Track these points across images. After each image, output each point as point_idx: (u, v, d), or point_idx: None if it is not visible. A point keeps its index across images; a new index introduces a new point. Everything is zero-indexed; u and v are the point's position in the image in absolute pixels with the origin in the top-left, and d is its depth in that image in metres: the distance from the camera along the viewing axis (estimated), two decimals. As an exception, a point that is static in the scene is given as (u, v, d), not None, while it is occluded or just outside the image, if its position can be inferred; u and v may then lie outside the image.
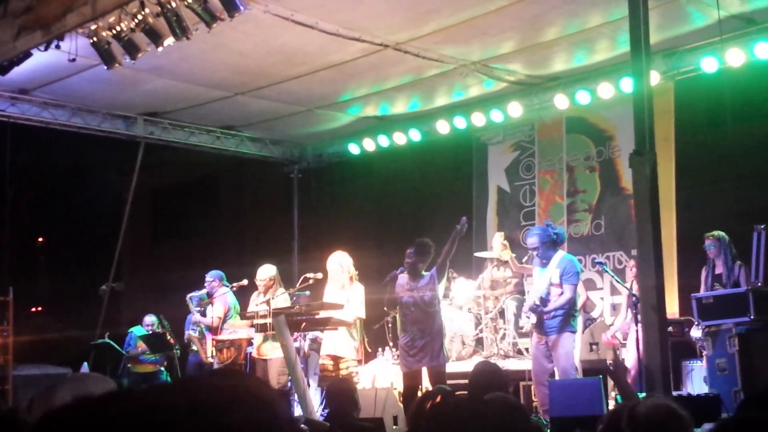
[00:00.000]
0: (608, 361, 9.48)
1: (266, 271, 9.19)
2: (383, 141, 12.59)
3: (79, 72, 9.61)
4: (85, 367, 11.16)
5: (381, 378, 9.79)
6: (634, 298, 8.30)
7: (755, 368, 7.12)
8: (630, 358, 9.24)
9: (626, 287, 8.85)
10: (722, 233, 8.36)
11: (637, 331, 7.84)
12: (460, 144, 12.66)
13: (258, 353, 9.19)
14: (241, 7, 7.40)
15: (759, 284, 7.33)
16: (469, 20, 8.75)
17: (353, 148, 13.04)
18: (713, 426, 2.26)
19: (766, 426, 2.17)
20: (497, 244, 9.95)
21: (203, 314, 10.13)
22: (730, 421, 2.44)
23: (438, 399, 4.30)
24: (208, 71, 9.99)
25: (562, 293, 8.03)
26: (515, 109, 11.15)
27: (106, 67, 8.46)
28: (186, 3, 7.45)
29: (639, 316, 7.58)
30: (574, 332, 8.14)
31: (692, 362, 8.53)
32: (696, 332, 8.12)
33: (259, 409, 1.08)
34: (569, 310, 8.05)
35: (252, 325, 8.69)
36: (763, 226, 7.43)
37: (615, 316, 10.21)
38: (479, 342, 10.41)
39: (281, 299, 8.92)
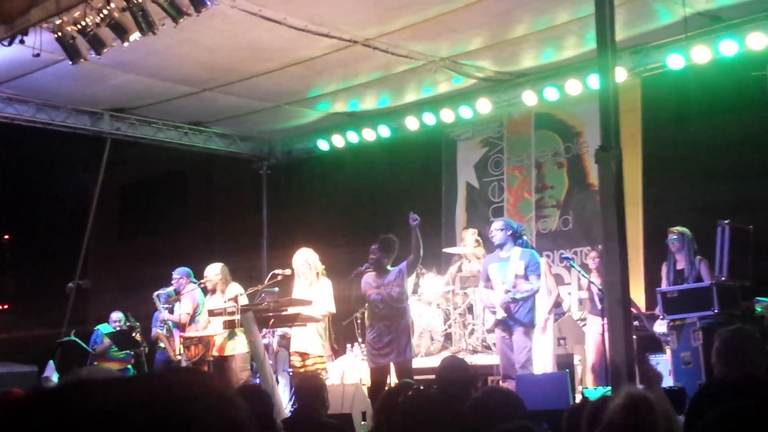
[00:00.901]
0: (577, 357, 9.56)
1: (212, 270, 9.24)
2: (352, 137, 12.58)
3: (44, 67, 9.51)
4: (50, 366, 11.05)
5: (350, 374, 9.79)
6: (599, 291, 8.39)
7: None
8: (591, 353, 9.32)
9: (593, 283, 8.92)
10: (685, 229, 8.46)
11: (603, 325, 7.92)
12: (430, 140, 12.69)
13: (219, 350, 9.18)
14: (208, 2, 7.36)
15: (723, 279, 7.42)
16: (437, 16, 8.75)
17: (322, 145, 13.02)
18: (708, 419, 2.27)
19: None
20: (470, 240, 9.98)
21: (171, 311, 10.07)
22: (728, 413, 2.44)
23: (409, 393, 4.30)
24: (175, 67, 9.91)
25: (529, 284, 8.09)
26: (484, 106, 11.18)
27: (71, 63, 8.38)
28: (152, -3, 7.39)
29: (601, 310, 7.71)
30: (534, 326, 8.20)
31: (657, 356, 8.61)
32: (660, 327, 8.20)
33: (218, 405, 1.08)
34: (533, 304, 8.12)
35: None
36: (727, 221, 7.52)
37: (582, 311, 10.30)
38: (448, 337, 10.44)
39: (233, 290, 8.96)
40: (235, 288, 9.11)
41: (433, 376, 6.03)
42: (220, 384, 1.11)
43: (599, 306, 9.33)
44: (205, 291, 9.60)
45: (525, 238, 8.58)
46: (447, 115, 11.55)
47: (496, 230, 8.37)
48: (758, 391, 3.33)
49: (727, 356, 3.82)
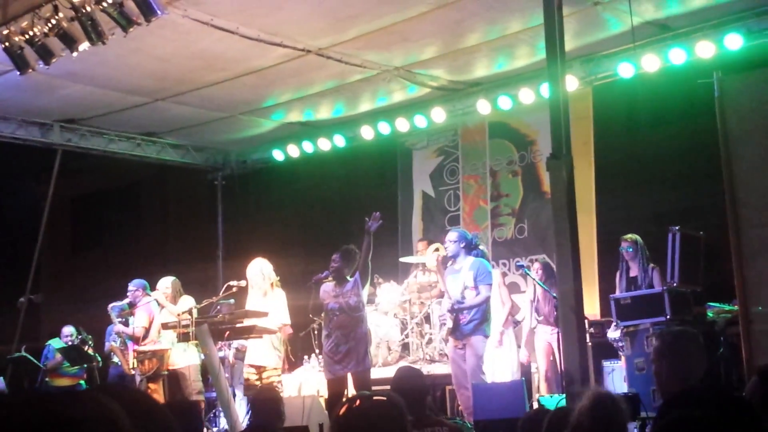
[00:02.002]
0: (533, 365, 9.61)
1: (162, 283, 9.24)
2: (308, 147, 12.53)
3: (-9, 78, 9.34)
4: (0, 382, 10.83)
5: (307, 386, 9.73)
6: (555, 301, 8.43)
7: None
8: (543, 360, 9.38)
9: (549, 291, 8.97)
10: (638, 236, 8.57)
11: (559, 332, 7.96)
12: (385, 149, 12.69)
13: (170, 363, 9.08)
14: (159, 12, 7.28)
15: (674, 285, 7.50)
16: (390, 26, 8.76)
17: (277, 155, 12.95)
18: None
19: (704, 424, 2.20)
20: (431, 258, 9.97)
21: (125, 324, 9.93)
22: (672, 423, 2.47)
23: (357, 403, 4.27)
24: (126, 76, 9.79)
25: (478, 294, 8.10)
26: (439, 115, 11.21)
27: (19, 73, 8.22)
28: (101, 7, 7.29)
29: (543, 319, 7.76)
30: (486, 337, 8.20)
31: (612, 362, 8.68)
32: (613, 333, 8.27)
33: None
34: (484, 314, 8.12)
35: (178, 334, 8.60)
36: (677, 228, 7.61)
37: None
38: (405, 347, 10.42)
39: (185, 303, 8.87)
40: (187, 301, 9.01)
41: (389, 387, 5.99)
42: (116, 408, 1.12)
43: (538, 317, 9.43)
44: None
45: (481, 248, 8.60)
46: (402, 125, 11.57)
47: (449, 242, 8.40)
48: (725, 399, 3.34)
49: (669, 359, 3.83)
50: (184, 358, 9.04)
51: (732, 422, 2.77)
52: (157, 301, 9.37)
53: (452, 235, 8.45)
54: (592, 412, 3.23)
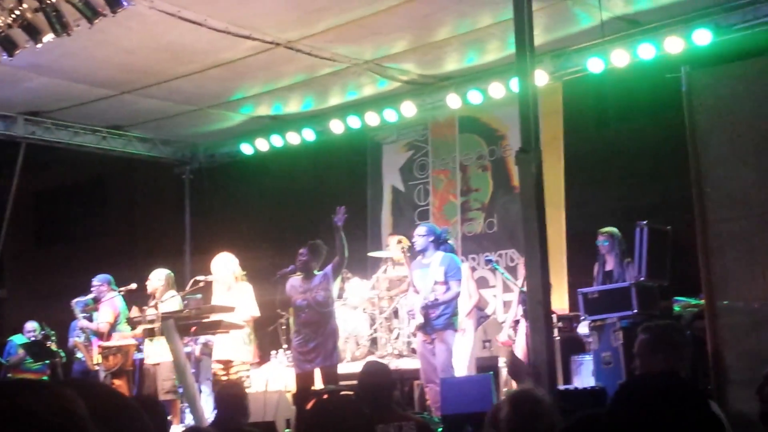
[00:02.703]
0: (504, 361, 9.61)
1: (156, 275, 9.05)
2: (277, 141, 12.44)
3: (-47, 69, 9.17)
4: (-37, 379, 10.65)
5: (274, 381, 9.65)
6: (524, 295, 8.43)
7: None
8: (519, 354, 9.38)
9: (517, 284, 8.97)
10: (615, 230, 8.52)
11: (527, 327, 7.96)
12: (355, 143, 12.63)
13: (145, 359, 8.97)
14: (125, 3, 7.19)
15: (641, 279, 7.53)
16: (360, 19, 8.71)
17: (246, 148, 12.85)
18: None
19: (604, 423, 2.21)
20: (395, 249, 9.94)
21: (89, 320, 9.81)
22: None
23: (323, 397, 4.25)
24: (91, 69, 9.65)
25: (448, 290, 8.10)
26: (409, 109, 11.17)
27: (-19, 64, 8.09)
28: (65, -3, 7.17)
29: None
30: (456, 331, 8.23)
31: (581, 357, 8.70)
32: (583, 328, 8.29)
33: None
34: (454, 309, 8.14)
35: (143, 333, 8.48)
36: (645, 223, 7.63)
37: (507, 313, 10.35)
38: (374, 342, 10.39)
39: (171, 302, 8.72)
40: (173, 297, 8.83)
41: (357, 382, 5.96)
42: (75, 400, 1.09)
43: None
44: (129, 294, 9.36)
45: (450, 242, 8.59)
46: (372, 119, 11.52)
47: (418, 236, 8.40)
48: (678, 388, 3.33)
49: (665, 351, 3.83)
50: (159, 353, 8.89)
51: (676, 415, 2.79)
52: (122, 295, 9.26)
53: (421, 230, 8.44)
54: (514, 409, 3.34)
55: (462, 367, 9.02)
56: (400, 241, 9.55)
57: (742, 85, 6.48)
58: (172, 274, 9.28)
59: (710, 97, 6.44)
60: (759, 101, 6.46)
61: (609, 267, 8.49)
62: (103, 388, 1.83)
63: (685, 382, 2.95)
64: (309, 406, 3.22)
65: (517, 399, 3.34)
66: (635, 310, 7.35)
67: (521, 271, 9.80)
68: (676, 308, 8.18)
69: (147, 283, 9.12)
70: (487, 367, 9.04)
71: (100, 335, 9.41)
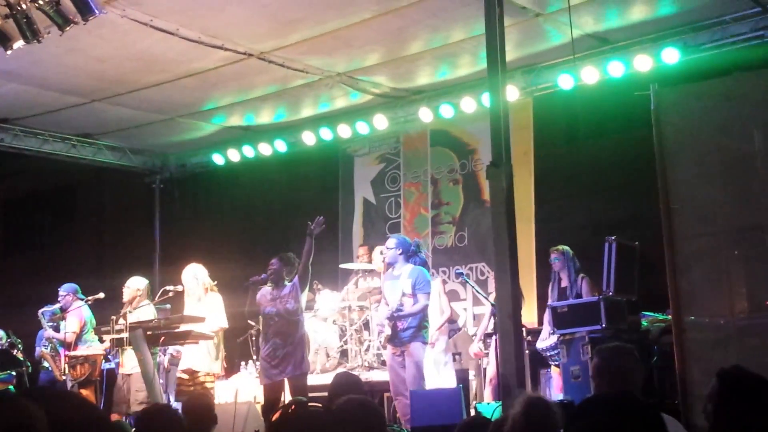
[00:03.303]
0: (471, 372, 9.64)
1: (136, 282, 8.97)
2: (248, 152, 12.41)
3: None
4: (-74, 388, 10.48)
5: (243, 392, 9.58)
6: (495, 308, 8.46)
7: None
8: (492, 367, 9.41)
9: (487, 298, 9.01)
10: (566, 247, 8.65)
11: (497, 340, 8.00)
12: (327, 155, 12.64)
13: (119, 368, 8.88)
14: (96, 11, 7.12)
15: (610, 294, 7.59)
16: (333, 31, 8.74)
17: (218, 159, 12.80)
18: None
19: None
20: (378, 260, 9.91)
21: (56, 329, 9.70)
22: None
23: (292, 408, 4.23)
24: (62, 76, 9.58)
25: (416, 302, 8.10)
26: (381, 122, 11.21)
27: (-51, 70, 8.00)
28: (37, 5, 7.11)
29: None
30: (425, 343, 8.21)
31: (550, 370, 8.75)
32: (542, 343, 8.33)
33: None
34: (422, 321, 8.12)
35: (102, 341, 8.40)
36: (613, 238, 7.71)
37: (477, 326, 10.38)
38: (344, 354, 10.37)
39: (145, 311, 8.65)
40: (147, 308, 8.75)
41: (326, 394, 5.96)
42: (36, 413, 1.10)
43: None
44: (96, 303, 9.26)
45: (422, 254, 8.58)
46: (344, 131, 11.54)
47: (387, 248, 8.40)
48: (631, 407, 3.39)
49: (608, 376, 3.90)
50: (132, 364, 8.79)
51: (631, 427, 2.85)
52: (88, 304, 9.17)
53: (390, 242, 8.44)
54: (526, 417, 3.30)
55: (441, 380, 8.99)
56: (382, 252, 9.51)
57: (710, 103, 6.58)
58: (148, 283, 9.18)
59: (678, 114, 6.54)
60: (726, 119, 6.56)
61: (564, 283, 8.60)
62: (71, 398, 1.83)
63: (637, 400, 3.00)
64: (277, 416, 3.21)
65: (530, 404, 3.31)
66: (603, 325, 7.41)
67: (492, 285, 9.85)
68: (644, 323, 8.26)
69: (124, 290, 9.00)
70: (457, 379, 9.07)
71: (66, 345, 9.30)
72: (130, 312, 8.51)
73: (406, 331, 8.07)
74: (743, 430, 3.20)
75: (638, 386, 3.86)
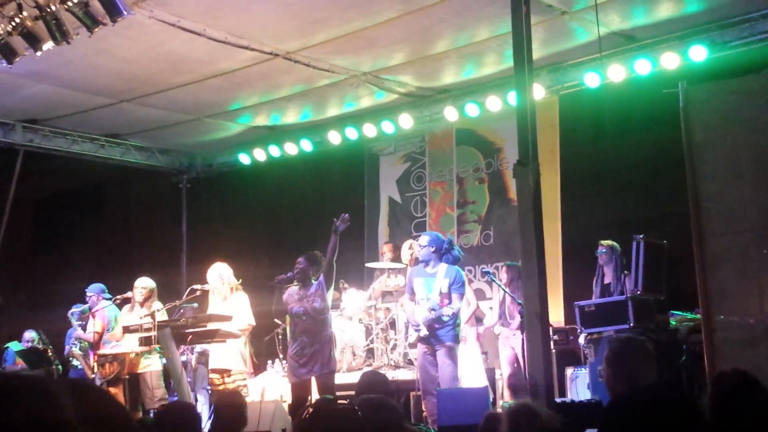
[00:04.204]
0: (498, 372, 9.62)
1: (144, 282, 9.08)
2: (274, 151, 12.47)
3: (-48, 76, 9.19)
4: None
5: (270, 390, 9.65)
6: (520, 307, 8.45)
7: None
8: (507, 368, 9.38)
9: (514, 297, 8.98)
10: (615, 243, 8.61)
11: (523, 340, 7.98)
12: (352, 155, 12.66)
13: (132, 367, 8.97)
14: (125, 12, 7.19)
15: (638, 292, 7.55)
16: (358, 31, 8.76)
17: (244, 158, 12.88)
18: None
19: None
20: (406, 255, 9.92)
21: (85, 329, 9.81)
22: None
23: (319, 408, 4.25)
24: (90, 77, 9.68)
25: (450, 303, 8.09)
26: (406, 121, 11.22)
27: (-20, 72, 8.10)
28: (66, 6, 7.19)
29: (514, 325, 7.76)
30: (458, 342, 8.21)
31: (577, 369, 8.72)
32: (582, 339, 8.30)
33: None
34: (456, 320, 8.13)
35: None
36: (641, 236, 7.67)
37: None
38: (370, 352, 10.38)
39: (158, 314, 8.75)
40: (157, 306, 8.91)
41: (353, 392, 5.98)
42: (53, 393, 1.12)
43: (509, 320, 9.44)
44: (120, 305, 9.34)
45: (455, 251, 8.47)
46: (369, 130, 11.56)
47: (420, 246, 8.35)
48: (663, 401, 3.38)
49: (615, 366, 3.88)
50: (147, 362, 8.93)
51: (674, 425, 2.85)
52: (116, 303, 9.26)
53: (423, 239, 8.37)
54: (512, 422, 3.37)
55: (476, 380, 8.99)
56: (411, 247, 9.47)
57: (739, 100, 6.52)
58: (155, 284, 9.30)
59: (707, 112, 6.48)
60: (755, 117, 6.50)
61: (607, 280, 8.54)
62: (99, 393, 1.85)
63: (667, 391, 3.00)
64: (307, 413, 3.22)
65: (515, 412, 3.36)
66: (631, 324, 7.37)
67: (503, 278, 9.82)
68: (672, 322, 8.20)
69: (135, 290, 9.12)
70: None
71: (91, 345, 9.41)
72: (160, 310, 8.58)
73: (443, 329, 8.05)
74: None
75: (642, 381, 3.79)
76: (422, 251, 8.28)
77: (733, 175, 6.42)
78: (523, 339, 8.21)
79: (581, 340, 8.32)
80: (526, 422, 3.40)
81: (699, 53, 9.00)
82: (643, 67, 9.37)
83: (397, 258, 10.61)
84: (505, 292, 9.25)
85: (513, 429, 3.31)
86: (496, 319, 9.68)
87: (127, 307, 9.24)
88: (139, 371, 8.93)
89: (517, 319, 9.25)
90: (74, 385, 1.65)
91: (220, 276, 8.48)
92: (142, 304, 9.03)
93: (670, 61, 9.19)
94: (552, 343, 8.09)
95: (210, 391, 8.66)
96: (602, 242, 8.67)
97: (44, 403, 1.10)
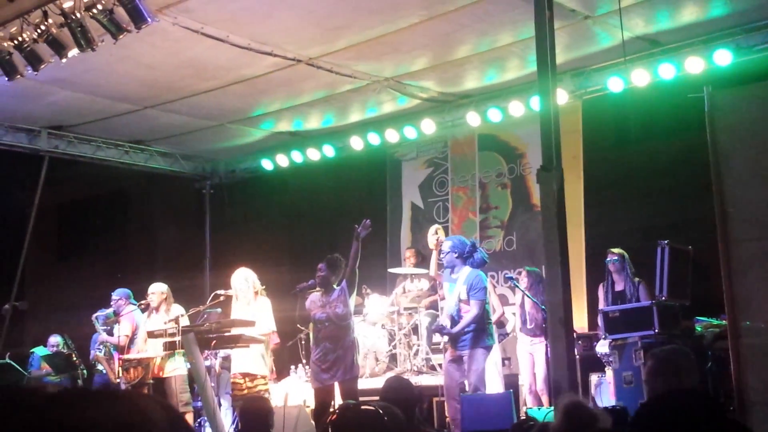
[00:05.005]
0: (521, 377, 9.58)
1: (157, 287, 9.22)
2: (297, 157, 12.51)
3: (-21, 83, 9.28)
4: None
5: (293, 396, 9.65)
6: (543, 313, 8.41)
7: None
8: (526, 376, 9.33)
9: (537, 302, 8.94)
10: (624, 251, 8.62)
11: (547, 346, 7.93)
12: (374, 160, 12.67)
13: (158, 371, 9.01)
14: (149, 19, 7.24)
15: (663, 298, 7.50)
16: (380, 36, 8.77)
17: (266, 164, 12.92)
18: None
19: None
20: (431, 240, 9.86)
21: (110, 333, 9.86)
22: None
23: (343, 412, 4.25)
24: (115, 84, 9.75)
25: (468, 310, 8.03)
26: (428, 126, 11.22)
27: (7, 79, 8.17)
28: (91, 14, 7.25)
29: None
30: (487, 348, 8.04)
31: (601, 376, 8.66)
32: (601, 347, 8.26)
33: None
34: (480, 325, 8.00)
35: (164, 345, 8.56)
36: (666, 242, 7.61)
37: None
38: (393, 358, 10.38)
39: (176, 311, 8.84)
40: (178, 309, 8.99)
41: (377, 398, 5.98)
42: (170, 410, 1.10)
43: (529, 326, 9.39)
44: (144, 310, 9.41)
45: (478, 254, 8.36)
46: (391, 135, 11.57)
47: (444, 253, 8.26)
48: (697, 404, 3.35)
49: (663, 376, 3.85)
50: (172, 366, 8.97)
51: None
52: (145, 307, 9.32)
53: (446, 245, 8.26)
54: (567, 418, 3.32)
55: (491, 383, 8.94)
56: (437, 231, 9.37)
57: (765, 105, 6.46)
58: (169, 288, 9.36)
59: (733, 117, 6.43)
60: (782, 121, 6.44)
61: (619, 287, 8.50)
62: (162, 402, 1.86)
63: (703, 396, 2.98)
64: (332, 418, 3.22)
65: (569, 408, 3.31)
66: (656, 330, 7.32)
67: (522, 283, 9.78)
68: (698, 328, 8.14)
69: (150, 296, 9.20)
70: (507, 384, 9.01)
71: (119, 349, 9.47)
72: (184, 315, 8.63)
73: (466, 335, 7.96)
74: None
75: (694, 387, 3.80)
76: (445, 258, 8.20)
77: (759, 180, 6.36)
78: (546, 345, 8.15)
79: (601, 347, 8.24)
80: (580, 418, 3.36)
81: (724, 57, 8.94)
82: (667, 71, 9.31)
83: (419, 263, 10.59)
84: (525, 296, 9.20)
85: (567, 423, 3.27)
86: (519, 324, 9.65)
87: (145, 314, 9.32)
88: (165, 375, 8.98)
89: (536, 324, 9.22)
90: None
91: (245, 279, 8.53)
92: (157, 309, 9.11)
93: (694, 65, 9.13)
94: (576, 348, 8.06)
95: (232, 395, 8.69)
96: (613, 250, 8.65)
97: (135, 414, 1.10)
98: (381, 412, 3.31)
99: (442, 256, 8.34)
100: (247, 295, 8.48)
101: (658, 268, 7.53)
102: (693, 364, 3.93)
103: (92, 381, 10.36)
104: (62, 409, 1.06)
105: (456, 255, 8.12)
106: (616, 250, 8.62)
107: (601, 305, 8.45)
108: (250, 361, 8.39)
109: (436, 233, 9.09)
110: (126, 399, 1.09)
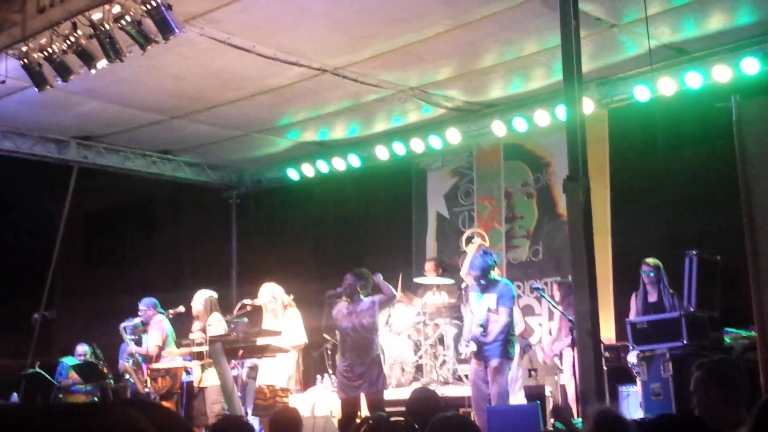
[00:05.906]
0: (548, 389, 9.52)
1: (199, 296, 9.15)
2: (322, 166, 12.54)
3: (10, 94, 9.41)
4: (14, 398, 10.82)
5: (320, 406, 9.67)
6: (570, 324, 8.36)
7: (689, 393, 7.19)
8: (569, 383, 9.28)
9: (564, 313, 8.90)
10: (659, 261, 8.53)
11: (573, 356, 7.89)
12: (400, 170, 12.67)
13: (198, 382, 9.04)
14: (177, 30, 7.29)
15: (691, 309, 7.43)
16: (406, 46, 8.78)
17: (292, 174, 12.96)
18: None
19: None
20: (472, 248, 9.88)
21: (138, 343, 9.91)
22: None
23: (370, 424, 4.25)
24: (143, 94, 9.84)
25: (497, 319, 8.06)
26: (453, 136, 11.21)
27: (37, 90, 8.26)
28: (120, 25, 7.33)
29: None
30: (511, 359, 8.14)
31: (628, 387, 8.60)
32: (632, 357, 8.19)
33: None
34: (507, 336, 8.06)
35: (191, 353, 8.57)
36: (694, 252, 7.55)
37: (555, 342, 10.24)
38: (419, 368, 10.35)
39: (217, 326, 8.80)
40: (216, 318, 8.97)
41: (403, 408, 5.97)
42: (144, 421, 1.12)
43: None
44: (176, 317, 9.44)
45: (493, 257, 8.54)
46: (417, 145, 11.56)
47: (476, 279, 8.45)
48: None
49: (716, 389, 3.76)
50: (207, 377, 8.96)
51: None
52: (169, 318, 9.36)
53: (476, 273, 8.46)
54: (598, 426, 3.31)
55: (513, 396, 8.92)
56: (481, 236, 9.50)
57: (794, 114, 6.40)
58: (216, 296, 9.34)
59: (761, 126, 6.37)
60: (811, 130, 6.37)
61: (652, 298, 8.42)
62: (165, 410, 1.87)
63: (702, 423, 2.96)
64: (364, 429, 3.22)
65: (601, 416, 3.30)
66: (685, 341, 7.25)
67: (556, 296, 9.75)
68: (727, 340, 8.05)
69: (192, 304, 9.22)
70: (534, 396, 8.97)
71: (149, 359, 9.50)
72: (209, 325, 8.66)
73: (492, 345, 8.01)
74: None
75: (746, 398, 3.73)
76: (471, 280, 8.39)
77: (788, 189, 6.29)
78: (573, 356, 8.11)
79: (630, 358, 8.19)
80: (612, 427, 3.34)
81: (751, 66, 8.86)
82: (694, 80, 9.24)
83: (440, 275, 10.56)
84: (555, 308, 9.17)
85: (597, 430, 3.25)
86: (548, 335, 9.61)
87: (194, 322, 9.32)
88: (200, 386, 8.99)
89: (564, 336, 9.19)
90: (145, 406, 1.67)
91: (272, 295, 8.58)
92: (197, 318, 9.13)
93: (721, 74, 9.05)
94: (603, 360, 8.01)
95: (256, 406, 8.70)
96: (648, 261, 8.57)
97: (126, 427, 1.11)
98: (416, 426, 3.32)
99: (475, 280, 8.40)
100: (275, 308, 8.53)
101: (686, 279, 7.47)
102: (744, 375, 3.85)
103: (126, 391, 10.34)
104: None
105: (479, 275, 8.30)
106: (651, 261, 8.52)
107: (632, 316, 8.38)
108: (274, 372, 8.42)
109: (481, 237, 9.19)
110: (116, 412, 1.11)
